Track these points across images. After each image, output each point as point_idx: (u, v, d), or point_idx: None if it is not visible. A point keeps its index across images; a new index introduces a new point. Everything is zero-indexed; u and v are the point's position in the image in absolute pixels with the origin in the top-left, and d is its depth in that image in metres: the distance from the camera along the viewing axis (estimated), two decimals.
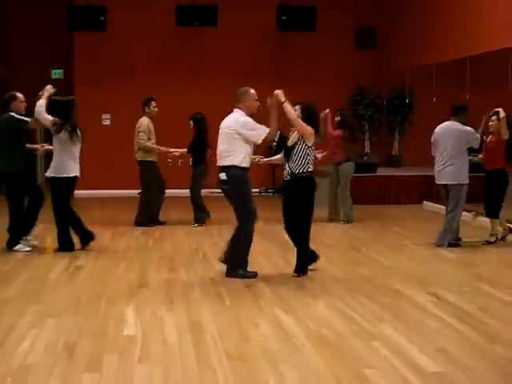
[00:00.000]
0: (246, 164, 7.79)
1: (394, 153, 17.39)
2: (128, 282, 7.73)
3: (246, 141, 7.75)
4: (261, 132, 7.75)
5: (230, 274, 7.87)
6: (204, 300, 6.92)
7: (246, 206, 7.81)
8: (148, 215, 11.72)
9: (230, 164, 7.76)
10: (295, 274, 7.92)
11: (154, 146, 11.59)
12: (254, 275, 7.86)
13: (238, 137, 7.72)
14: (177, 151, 11.85)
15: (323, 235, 10.94)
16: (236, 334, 5.81)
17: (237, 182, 7.79)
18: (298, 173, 7.77)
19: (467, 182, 9.75)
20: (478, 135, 9.75)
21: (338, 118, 12.09)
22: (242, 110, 7.81)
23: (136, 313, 6.44)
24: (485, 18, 12.91)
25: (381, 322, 6.17)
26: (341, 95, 16.75)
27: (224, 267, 7.96)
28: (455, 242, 9.83)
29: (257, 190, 16.60)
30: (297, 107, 7.88)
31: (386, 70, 17.32)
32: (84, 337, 5.69)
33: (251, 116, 7.85)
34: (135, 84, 16.26)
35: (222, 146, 7.85)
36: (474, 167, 10.16)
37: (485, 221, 10.56)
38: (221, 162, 7.85)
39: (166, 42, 17.00)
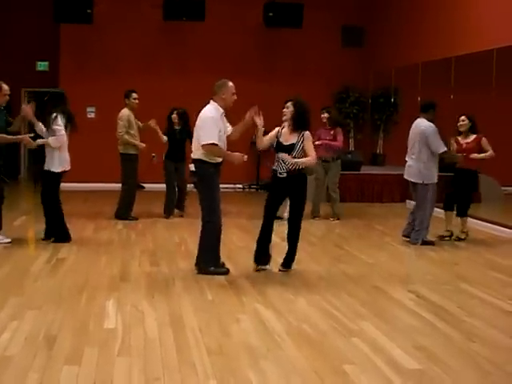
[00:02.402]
0: (213, 160, 7.62)
1: (378, 151, 17.44)
2: (110, 275, 7.72)
3: None
4: (205, 138, 7.51)
5: (200, 270, 7.81)
6: (185, 294, 6.92)
7: (209, 203, 7.72)
8: (130, 208, 11.73)
9: (196, 157, 7.71)
10: (283, 269, 7.95)
11: (132, 140, 11.51)
12: (226, 272, 7.82)
13: (197, 130, 7.69)
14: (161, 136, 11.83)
15: (306, 232, 10.95)
16: (217, 328, 5.82)
17: (202, 177, 7.72)
18: (294, 170, 7.74)
19: (433, 181, 9.76)
20: (440, 145, 9.65)
21: (325, 115, 12.08)
22: (217, 102, 7.67)
23: (117, 306, 6.44)
24: (471, 19, 12.99)
25: (361, 318, 6.20)
26: (326, 92, 16.78)
27: None
28: (429, 240, 9.90)
29: (240, 185, 16.65)
30: (289, 104, 7.86)
31: (371, 68, 17.38)
32: (64, 329, 5.68)
33: (226, 109, 7.74)
34: (121, 77, 16.20)
35: (194, 136, 7.81)
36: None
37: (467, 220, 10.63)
38: (192, 155, 7.81)
39: (153, 35, 16.97)
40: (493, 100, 12.34)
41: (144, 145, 11.52)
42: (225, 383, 4.61)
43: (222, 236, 7.87)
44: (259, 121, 7.68)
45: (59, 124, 9.14)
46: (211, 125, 7.54)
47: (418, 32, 15.07)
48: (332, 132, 12.07)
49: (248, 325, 5.95)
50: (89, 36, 16.65)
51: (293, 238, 7.98)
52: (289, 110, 7.80)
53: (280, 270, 7.97)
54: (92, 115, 17.01)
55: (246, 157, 7.81)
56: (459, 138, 10.17)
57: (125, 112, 11.58)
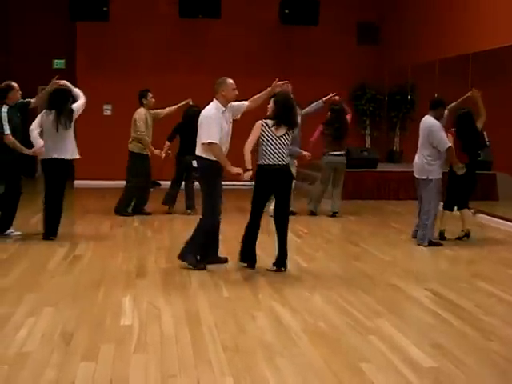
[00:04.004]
0: (213, 157, 7.66)
1: (394, 148, 17.37)
2: (126, 271, 7.75)
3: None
4: (205, 136, 7.58)
5: (181, 257, 7.88)
6: (201, 291, 6.93)
7: (209, 199, 7.78)
8: (132, 204, 11.87)
9: (198, 154, 7.77)
10: (276, 269, 7.81)
11: (149, 144, 11.65)
12: (203, 268, 7.81)
13: (199, 128, 7.75)
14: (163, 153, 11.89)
15: (321, 230, 10.97)
16: (233, 325, 5.82)
17: (203, 173, 7.82)
18: (286, 164, 7.73)
19: (435, 177, 9.60)
20: (444, 142, 9.49)
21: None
22: (218, 100, 7.75)
23: (133, 303, 6.46)
24: (488, 15, 12.90)
25: (377, 316, 6.18)
26: (343, 90, 16.69)
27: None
28: (436, 241, 9.66)
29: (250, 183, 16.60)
30: (271, 100, 7.83)
31: (387, 65, 17.31)
32: (81, 326, 5.71)
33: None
34: (137, 75, 16.22)
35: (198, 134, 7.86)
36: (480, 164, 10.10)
37: (483, 218, 10.55)
38: (196, 151, 7.83)
39: (169, 33, 16.98)
40: (511, 96, 12.23)
41: (157, 152, 11.63)
42: (241, 380, 4.61)
43: (221, 232, 7.97)
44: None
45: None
46: (211, 123, 7.61)
47: (434, 29, 14.98)
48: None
49: (264, 322, 5.95)
50: (105, 34, 16.68)
51: (283, 235, 7.82)
52: (270, 106, 7.79)
53: (268, 270, 7.79)
54: (108, 113, 17.05)
55: (246, 175, 7.67)
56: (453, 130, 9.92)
57: (142, 111, 11.65)
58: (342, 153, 12.11)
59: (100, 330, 5.61)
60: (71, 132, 9.40)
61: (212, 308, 6.33)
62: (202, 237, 7.85)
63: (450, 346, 5.41)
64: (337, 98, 11.73)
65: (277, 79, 8.01)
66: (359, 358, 5.07)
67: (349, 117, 12.18)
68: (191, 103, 11.92)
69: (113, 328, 5.70)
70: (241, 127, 8.04)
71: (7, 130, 9.13)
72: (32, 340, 5.31)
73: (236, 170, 7.63)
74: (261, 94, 7.99)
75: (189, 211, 11.75)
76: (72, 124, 9.36)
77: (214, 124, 7.59)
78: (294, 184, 11.83)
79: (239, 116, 7.99)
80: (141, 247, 9.23)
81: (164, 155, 11.76)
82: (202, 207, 7.91)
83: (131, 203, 11.87)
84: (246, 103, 7.95)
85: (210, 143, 7.56)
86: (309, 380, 4.67)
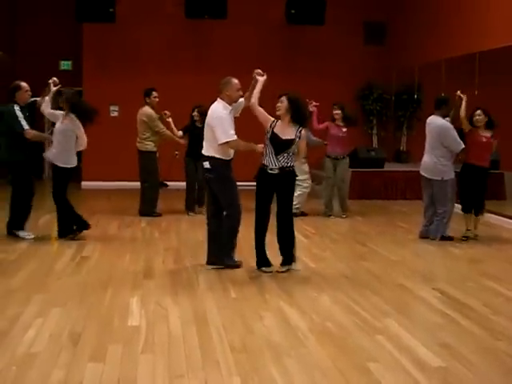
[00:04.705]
0: (227, 157, 7.74)
1: (401, 148, 17.34)
2: (133, 272, 7.76)
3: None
4: (223, 136, 7.59)
5: (214, 264, 7.90)
6: (209, 292, 6.94)
7: (227, 198, 7.79)
8: (154, 204, 11.86)
9: (211, 155, 7.74)
10: (281, 269, 7.79)
11: (174, 137, 11.78)
12: (239, 265, 7.91)
13: (211, 129, 7.72)
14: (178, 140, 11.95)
15: (328, 230, 10.96)
16: (240, 326, 5.82)
17: (218, 174, 7.76)
18: (287, 167, 7.66)
19: (451, 177, 9.68)
20: (458, 143, 9.55)
21: (337, 112, 11.95)
22: (224, 100, 7.76)
23: (141, 303, 6.46)
24: (494, 14, 12.86)
25: (385, 316, 6.18)
26: (349, 89, 16.75)
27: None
28: (448, 236, 9.83)
29: None
30: (283, 98, 7.74)
31: (394, 65, 17.28)
32: (89, 327, 5.72)
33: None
34: (144, 76, 16.22)
35: (205, 135, 7.86)
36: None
37: (491, 217, 10.52)
38: (205, 152, 7.82)
39: (175, 34, 16.99)
40: None
41: (182, 141, 11.75)
42: (248, 380, 4.61)
43: (242, 232, 7.90)
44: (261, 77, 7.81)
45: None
46: (224, 123, 7.63)
47: (441, 28, 14.95)
48: (345, 130, 11.93)
49: (271, 322, 5.95)
50: (111, 35, 16.70)
51: (285, 236, 7.79)
52: (283, 104, 7.71)
53: (277, 272, 7.76)
54: (115, 114, 17.07)
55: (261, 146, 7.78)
56: (480, 132, 9.73)
57: (148, 110, 11.68)
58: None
59: (108, 331, 5.62)
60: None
61: (219, 308, 6.33)
62: (229, 235, 7.85)
63: (457, 345, 5.40)
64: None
65: (254, 71, 7.93)
66: (367, 357, 5.07)
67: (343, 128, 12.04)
68: (167, 117, 11.82)
69: (120, 328, 5.71)
70: (240, 125, 8.05)
71: (26, 126, 9.23)
72: (40, 340, 5.32)
73: (260, 146, 7.71)
74: (249, 91, 7.91)
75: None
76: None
77: (227, 123, 7.64)
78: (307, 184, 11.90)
79: (238, 114, 8.00)
80: (148, 248, 9.24)
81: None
82: (224, 207, 7.81)
83: (156, 203, 11.92)
84: (242, 100, 7.94)
85: (229, 141, 7.60)
86: (316, 380, 4.66)
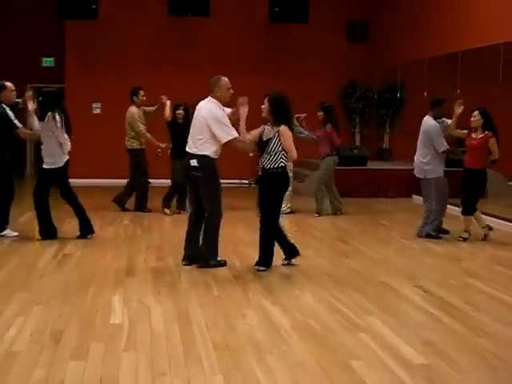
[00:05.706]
0: (217, 155, 7.80)
1: (384, 146, 17.41)
2: (116, 270, 7.72)
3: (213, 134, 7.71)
4: (226, 134, 7.63)
5: (202, 265, 7.86)
6: (191, 289, 6.92)
7: (214, 197, 7.80)
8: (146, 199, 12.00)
9: (201, 153, 7.72)
10: (257, 268, 7.77)
11: (151, 137, 11.79)
12: (224, 263, 7.92)
13: (207, 128, 7.70)
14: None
15: (311, 227, 10.98)
16: (223, 324, 5.81)
17: (208, 172, 7.75)
18: (270, 168, 7.64)
19: (438, 175, 9.77)
20: (441, 144, 9.67)
21: (320, 114, 11.94)
22: (215, 98, 7.78)
23: (123, 301, 6.44)
24: (477, 13, 12.94)
25: (368, 314, 6.19)
26: (332, 88, 16.80)
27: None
28: (434, 234, 9.90)
29: (246, 181, 16.61)
30: (265, 100, 7.73)
31: (377, 63, 17.34)
32: (70, 325, 5.68)
33: (223, 104, 7.82)
34: (126, 73, 16.21)
35: (194, 132, 7.83)
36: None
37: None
38: (193, 150, 7.79)
39: (158, 31, 16.96)
40: (499, 94, 12.27)
41: (162, 145, 11.73)
42: (231, 378, 4.60)
43: (226, 230, 7.91)
44: (243, 110, 7.71)
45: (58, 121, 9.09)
46: (222, 122, 7.65)
47: (423, 27, 15.01)
48: (323, 130, 11.91)
49: (254, 320, 5.94)
50: (94, 31, 16.64)
51: (263, 236, 7.77)
52: (265, 106, 7.72)
53: (257, 270, 7.75)
54: (98, 111, 17.02)
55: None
56: (472, 134, 9.74)
57: (134, 109, 11.69)
58: None
59: (89, 329, 5.59)
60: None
61: (202, 306, 6.31)
62: (214, 234, 7.86)
63: (440, 343, 5.42)
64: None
65: (239, 99, 7.79)
66: (349, 355, 5.07)
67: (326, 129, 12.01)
68: (164, 100, 11.77)
69: (102, 327, 5.68)
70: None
71: (19, 124, 9.25)
72: (21, 339, 5.28)
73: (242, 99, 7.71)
74: (232, 113, 7.91)
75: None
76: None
77: (224, 121, 7.67)
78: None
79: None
80: (130, 246, 9.21)
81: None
82: (207, 206, 7.80)
83: (146, 199, 12.03)
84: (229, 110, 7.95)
85: (232, 139, 7.63)
86: (299, 377, 4.66)
